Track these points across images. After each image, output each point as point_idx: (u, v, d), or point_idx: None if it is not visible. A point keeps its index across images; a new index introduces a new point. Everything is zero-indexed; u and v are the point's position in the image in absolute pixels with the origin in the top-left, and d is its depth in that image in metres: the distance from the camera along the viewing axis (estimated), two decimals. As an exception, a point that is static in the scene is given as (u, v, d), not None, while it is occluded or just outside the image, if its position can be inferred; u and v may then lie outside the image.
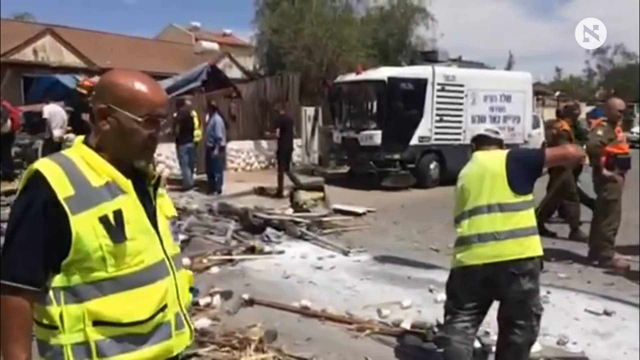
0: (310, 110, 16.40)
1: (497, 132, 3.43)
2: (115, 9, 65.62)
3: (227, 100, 14.67)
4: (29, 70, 17.32)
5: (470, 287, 3.14)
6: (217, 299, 4.74)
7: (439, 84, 12.33)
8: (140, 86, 1.50)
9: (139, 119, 1.48)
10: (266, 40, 21.75)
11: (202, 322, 4.25)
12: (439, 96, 12.33)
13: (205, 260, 5.99)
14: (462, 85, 12.62)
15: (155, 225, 1.54)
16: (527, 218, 3.08)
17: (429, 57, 13.30)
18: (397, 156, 12.03)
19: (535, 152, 3.39)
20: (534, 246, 3.08)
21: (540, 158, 3.23)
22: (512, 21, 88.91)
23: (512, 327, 3.15)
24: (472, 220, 3.12)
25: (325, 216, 8.39)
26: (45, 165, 1.42)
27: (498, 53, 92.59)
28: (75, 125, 11.05)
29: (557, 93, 31.52)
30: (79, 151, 1.49)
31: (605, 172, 5.81)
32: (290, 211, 8.58)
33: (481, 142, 3.37)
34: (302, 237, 7.33)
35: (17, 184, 10.55)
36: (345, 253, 6.61)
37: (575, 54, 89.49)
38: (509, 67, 32.42)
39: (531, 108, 14.71)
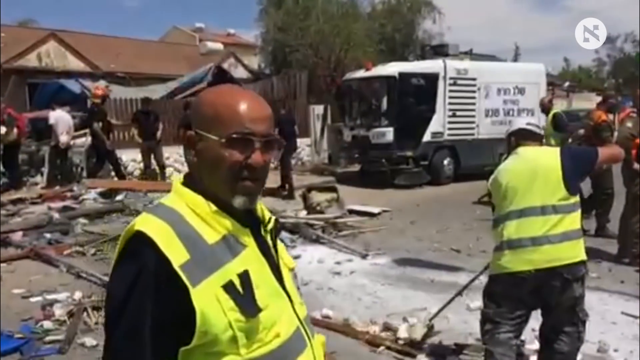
0: (318, 109, 16.16)
1: (539, 127, 3.18)
2: (117, 12, 65.68)
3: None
4: (34, 76, 17.19)
5: (518, 295, 2.89)
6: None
7: (450, 78, 12.06)
8: (227, 100, 1.16)
9: (222, 140, 1.12)
10: (271, 38, 21.54)
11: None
12: (451, 90, 12.06)
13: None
14: (474, 79, 12.33)
15: (281, 282, 1.20)
16: (577, 220, 2.85)
17: (439, 51, 13.01)
18: (409, 153, 11.78)
19: (590, 152, 3.13)
20: (583, 249, 2.87)
21: (595, 158, 2.99)
22: (516, 13, 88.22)
23: (559, 335, 2.93)
24: (521, 222, 2.86)
25: (339, 217, 8.14)
26: (149, 224, 1.09)
27: (503, 45, 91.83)
28: (91, 134, 10.87)
29: (567, 83, 31.06)
30: (183, 198, 1.16)
31: (637, 165, 5.53)
32: (303, 213, 8.35)
33: (524, 137, 3.10)
34: (317, 240, 7.10)
35: (24, 192, 10.48)
36: (364, 256, 6.38)
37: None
38: (515, 59, 32.03)
39: (545, 100, 14.37)
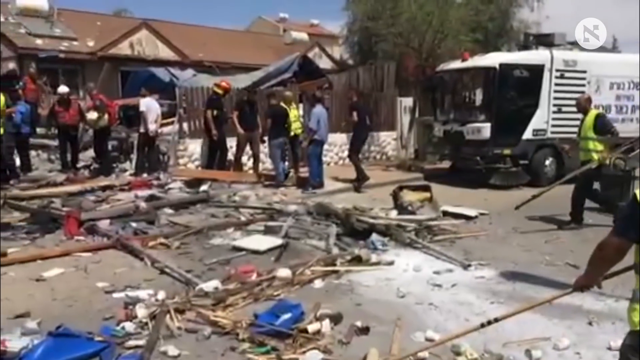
0: (406, 101, 15.43)
1: None
2: (204, 3, 67.27)
3: (318, 91, 14.02)
4: (126, 64, 17.64)
5: None
6: (326, 325, 4.04)
7: (557, 70, 10.96)
8: None
9: None
10: (357, 28, 20.95)
11: (313, 356, 3.58)
12: (557, 84, 10.96)
13: (308, 272, 5.32)
14: (584, 72, 11.15)
15: None
16: None
17: (544, 41, 11.86)
18: (507, 151, 10.85)
19: None
20: None
21: None
22: (618, 2, 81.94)
23: None
24: None
25: (433, 220, 7.49)
26: None
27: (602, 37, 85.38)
28: (205, 124, 10.86)
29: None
30: None
31: None
32: (393, 213, 7.77)
33: None
34: (410, 244, 6.51)
35: (113, 179, 10.59)
36: (465, 267, 5.72)
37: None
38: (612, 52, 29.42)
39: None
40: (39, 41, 17.19)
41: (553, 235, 7.14)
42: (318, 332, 3.94)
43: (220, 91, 11.08)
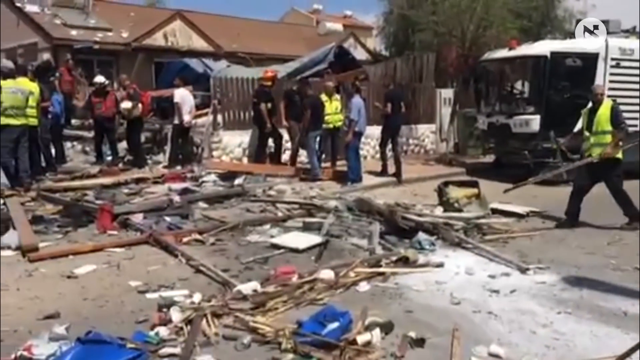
0: (445, 93, 14.85)
1: None
2: (238, -5, 67.07)
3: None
4: (160, 55, 17.51)
5: None
6: (376, 335, 3.65)
7: (613, 59, 10.28)
8: None
9: None
10: (394, 18, 20.39)
11: (366, 372, 3.21)
12: (612, 74, 10.27)
13: (351, 274, 4.93)
14: (642, 60, 10.45)
15: None
16: None
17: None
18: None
19: None
20: None
21: None
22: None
23: None
24: None
25: (482, 217, 7.01)
26: None
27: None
28: (254, 115, 10.62)
29: None
30: None
31: None
32: (439, 210, 7.32)
33: None
34: (459, 244, 6.07)
35: (146, 171, 10.39)
36: (523, 270, 5.25)
37: None
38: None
39: None
40: (73, 32, 17.18)
41: (615, 236, 6.58)
42: (368, 343, 3.56)
43: (268, 82, 10.74)
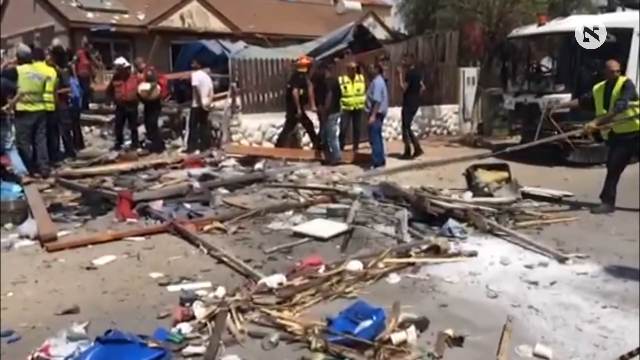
0: (469, 72, 14.39)
1: None
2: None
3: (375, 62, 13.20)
4: (177, 37, 17.27)
5: None
6: (412, 333, 3.43)
7: (649, 34, 9.80)
8: None
9: None
10: (416, -5, 19.89)
11: (402, 375, 2.99)
12: (648, 50, 9.80)
13: (380, 264, 4.70)
14: (680, 36, 9.92)
15: None
16: None
17: (630, 2, 10.65)
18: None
19: None
20: None
21: None
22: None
23: None
24: None
25: (514, 202, 6.72)
26: None
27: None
28: (287, 101, 10.41)
29: None
30: None
31: None
32: (468, 195, 7.03)
33: None
34: (491, 232, 5.79)
35: (165, 156, 10.22)
36: (561, 260, 4.97)
37: None
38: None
39: None
40: (90, 15, 17.01)
41: (655, 221, 6.24)
42: (404, 342, 3.34)
43: (304, 69, 10.45)
